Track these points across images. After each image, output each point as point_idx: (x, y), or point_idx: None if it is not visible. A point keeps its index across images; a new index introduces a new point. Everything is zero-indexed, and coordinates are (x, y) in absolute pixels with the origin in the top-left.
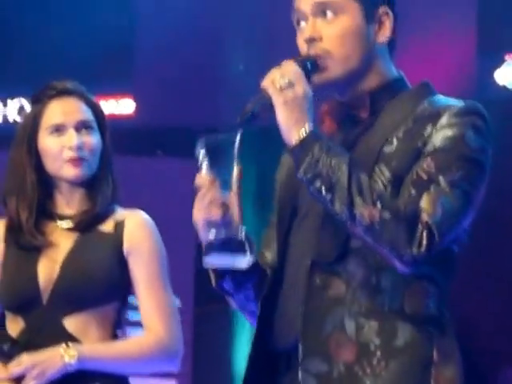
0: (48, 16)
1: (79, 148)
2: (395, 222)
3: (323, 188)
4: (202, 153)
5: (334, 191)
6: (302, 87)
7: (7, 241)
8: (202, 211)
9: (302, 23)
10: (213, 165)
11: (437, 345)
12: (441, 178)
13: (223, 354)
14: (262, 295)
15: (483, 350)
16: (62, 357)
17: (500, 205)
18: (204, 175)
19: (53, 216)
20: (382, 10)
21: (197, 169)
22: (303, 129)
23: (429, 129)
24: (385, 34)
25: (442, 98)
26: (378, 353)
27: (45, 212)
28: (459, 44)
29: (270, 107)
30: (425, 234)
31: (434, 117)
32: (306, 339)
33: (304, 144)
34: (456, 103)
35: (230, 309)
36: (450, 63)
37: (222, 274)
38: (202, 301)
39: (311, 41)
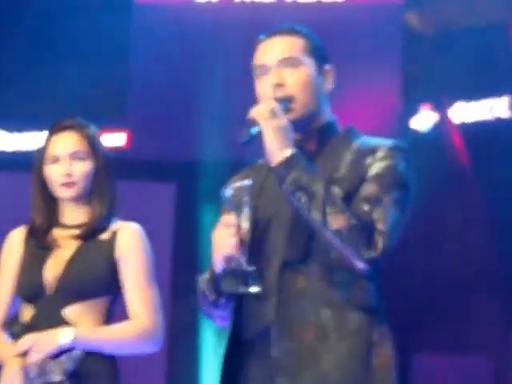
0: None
1: (69, 175)
2: (359, 228)
3: (303, 198)
4: (230, 195)
5: (313, 201)
6: (284, 119)
7: (26, 243)
8: (229, 245)
9: (265, 74)
10: (232, 208)
11: (377, 329)
12: (385, 197)
13: (192, 338)
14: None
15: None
16: (58, 337)
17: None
18: (231, 215)
19: (62, 226)
20: (328, 66)
21: (222, 211)
22: (287, 151)
23: (369, 160)
24: (329, 85)
25: (372, 138)
26: (333, 334)
27: (57, 223)
28: (386, 98)
29: (258, 134)
30: (380, 240)
31: (372, 151)
32: (278, 324)
33: (289, 163)
34: (389, 141)
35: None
36: (380, 112)
37: (220, 294)
38: (179, 293)
39: (278, 86)
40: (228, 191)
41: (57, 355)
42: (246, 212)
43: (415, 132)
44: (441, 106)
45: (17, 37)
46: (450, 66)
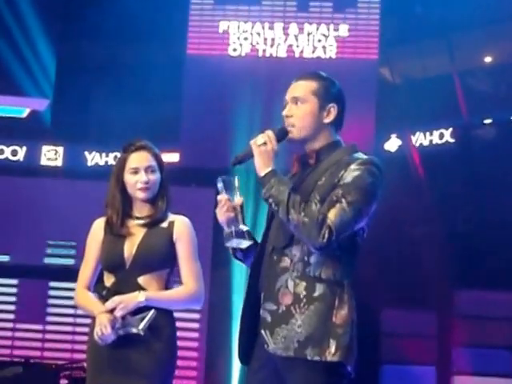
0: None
1: (146, 182)
2: (310, 224)
3: (273, 203)
4: (220, 184)
5: (279, 205)
6: (271, 146)
7: (105, 231)
8: (224, 214)
9: (286, 106)
10: (226, 190)
11: (337, 296)
12: (343, 200)
13: (226, 299)
14: (252, 262)
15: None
16: (137, 297)
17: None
18: (223, 195)
19: (133, 217)
20: (331, 105)
21: (217, 192)
22: (266, 169)
23: (342, 172)
24: (329, 118)
25: (358, 154)
26: (304, 300)
27: (129, 215)
28: (363, 128)
29: (252, 156)
30: (327, 232)
31: (347, 164)
32: (266, 291)
33: (266, 178)
34: (361, 157)
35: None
36: (362, 138)
37: (235, 250)
38: (217, 267)
39: (287, 117)
40: (220, 182)
41: (135, 313)
42: (237, 193)
43: (387, 152)
44: (405, 134)
45: (106, 92)
46: (411, 106)
